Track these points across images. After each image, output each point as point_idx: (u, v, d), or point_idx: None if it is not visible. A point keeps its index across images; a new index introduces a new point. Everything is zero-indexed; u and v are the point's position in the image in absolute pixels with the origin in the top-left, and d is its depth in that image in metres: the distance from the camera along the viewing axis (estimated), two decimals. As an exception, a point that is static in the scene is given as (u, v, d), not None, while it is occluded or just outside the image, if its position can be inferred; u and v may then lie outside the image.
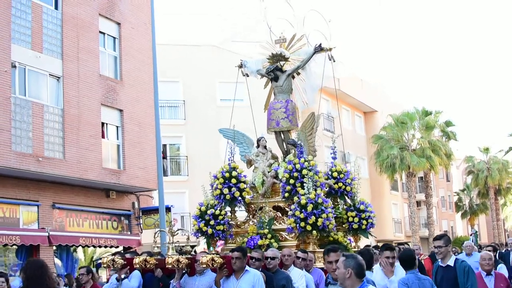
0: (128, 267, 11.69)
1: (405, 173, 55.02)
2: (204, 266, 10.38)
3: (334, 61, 15.22)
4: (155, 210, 28.88)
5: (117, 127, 29.07)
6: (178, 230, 11.71)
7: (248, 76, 16.05)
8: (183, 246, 11.40)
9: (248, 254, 10.87)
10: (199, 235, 14.19)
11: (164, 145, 40.60)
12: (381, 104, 60.18)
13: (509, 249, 19.60)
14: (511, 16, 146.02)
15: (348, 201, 14.93)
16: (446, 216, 78.50)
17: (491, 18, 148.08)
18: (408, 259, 9.64)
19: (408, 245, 20.71)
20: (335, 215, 13.82)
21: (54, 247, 25.89)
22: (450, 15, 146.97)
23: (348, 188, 14.76)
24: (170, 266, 10.81)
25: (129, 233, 29.81)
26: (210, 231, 13.91)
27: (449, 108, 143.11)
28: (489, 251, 15.91)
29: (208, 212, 13.99)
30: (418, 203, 62.78)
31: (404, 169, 53.23)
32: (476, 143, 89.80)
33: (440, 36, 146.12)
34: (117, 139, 29.08)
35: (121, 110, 29.07)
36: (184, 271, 11.03)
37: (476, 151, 75.43)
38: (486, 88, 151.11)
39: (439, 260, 10.09)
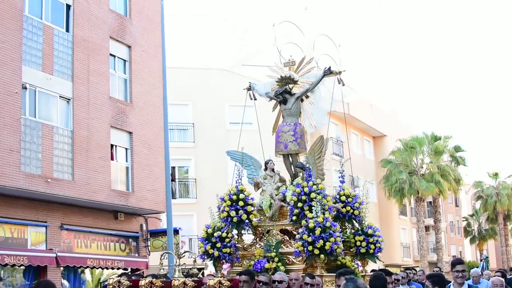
0: None
1: (413, 198, 54.89)
2: None
3: (343, 84, 15.19)
4: (163, 233, 28.85)
5: (126, 149, 29.15)
6: (185, 252, 11.68)
7: (256, 99, 16.04)
8: (190, 269, 11.37)
9: (255, 278, 10.83)
10: (206, 257, 14.13)
11: (173, 168, 40.68)
12: (390, 129, 60.23)
13: None
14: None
15: (356, 225, 14.81)
16: (454, 241, 78.17)
17: (501, 49, 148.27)
18: (440, 282, 9.68)
19: (415, 270, 20.55)
20: (343, 239, 13.74)
21: (62, 268, 25.89)
22: (458, 43, 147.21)
23: (356, 212, 14.63)
24: None
25: (136, 255, 29.79)
26: (216, 253, 13.83)
27: (458, 133, 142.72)
28: (498, 276, 15.87)
29: (215, 234, 13.91)
30: (427, 228, 62.54)
31: (413, 193, 53.15)
32: (485, 168, 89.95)
33: (450, 62, 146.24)
34: (126, 161, 29.16)
35: (130, 133, 29.17)
36: None
37: (485, 176, 75.32)
38: (496, 113, 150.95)
39: (451, 285, 9.88)
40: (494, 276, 16.52)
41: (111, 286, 11.68)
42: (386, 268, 12.82)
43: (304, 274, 12.14)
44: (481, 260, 23.77)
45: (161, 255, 12.19)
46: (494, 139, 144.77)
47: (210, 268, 18.98)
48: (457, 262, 9.98)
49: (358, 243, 14.45)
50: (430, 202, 60.63)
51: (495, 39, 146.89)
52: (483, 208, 73.83)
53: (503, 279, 13.19)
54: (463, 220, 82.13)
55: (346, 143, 48.08)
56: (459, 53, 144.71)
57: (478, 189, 74.58)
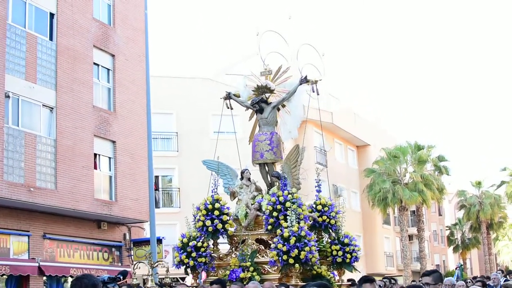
0: None
1: (397, 207, 54.96)
2: None
3: (318, 94, 15.18)
4: (146, 242, 28.79)
5: (109, 158, 29.07)
6: (157, 262, 11.68)
7: (232, 108, 16.00)
8: (162, 279, 11.38)
9: (228, 287, 10.85)
10: (181, 267, 14.07)
11: (157, 177, 40.62)
12: (374, 138, 60.40)
13: (491, 284, 19.28)
14: (505, 55, 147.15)
15: (332, 234, 14.82)
16: (438, 250, 78.39)
17: (484, 58, 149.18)
18: None
19: (395, 280, 20.47)
20: (318, 248, 13.71)
21: (44, 278, 25.75)
22: (441, 53, 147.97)
23: (332, 221, 14.64)
24: None
25: (120, 264, 29.66)
26: (192, 263, 13.78)
27: (441, 142, 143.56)
28: (479, 286, 15.82)
29: (190, 244, 13.89)
30: (410, 237, 62.70)
31: (396, 203, 53.19)
32: (468, 177, 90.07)
33: (433, 72, 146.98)
34: (110, 170, 29.07)
35: (114, 142, 29.09)
36: None
37: (468, 185, 75.61)
38: (479, 123, 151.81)
39: None
40: (474, 285, 16.46)
41: None
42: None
43: (278, 284, 12.12)
44: (456, 268, 23.43)
45: (134, 264, 12.19)
46: (477, 148, 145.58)
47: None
48: (423, 273, 9.22)
49: (334, 252, 14.45)
50: (414, 211, 60.75)
51: (478, 49, 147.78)
52: (466, 217, 74.13)
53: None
54: (447, 229, 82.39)
55: (329, 153, 48.15)
56: (443, 64, 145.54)
57: (461, 198, 74.89)
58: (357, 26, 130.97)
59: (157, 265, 11.44)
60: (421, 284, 9.76)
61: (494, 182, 73.60)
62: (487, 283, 19.28)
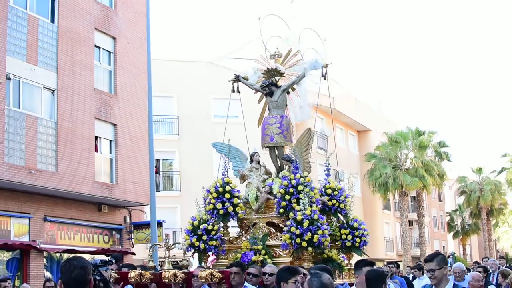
0: (122, 282, 11.50)
1: (397, 192, 55.00)
2: (203, 280, 10.28)
3: (325, 78, 15.14)
4: (146, 225, 28.82)
5: (110, 141, 29.05)
6: (174, 244, 11.64)
7: (239, 92, 15.92)
8: (180, 261, 11.33)
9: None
10: (191, 250, 14.06)
11: (157, 160, 40.61)
12: (375, 123, 60.35)
13: (490, 269, 19.29)
14: (505, 41, 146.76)
15: (342, 218, 14.82)
16: (438, 236, 78.47)
17: (485, 43, 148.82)
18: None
19: (397, 264, 20.44)
20: (329, 232, 13.73)
21: (45, 260, 25.81)
22: (443, 38, 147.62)
23: (341, 205, 14.64)
24: (166, 281, 10.70)
25: (120, 247, 29.71)
26: (202, 246, 13.78)
27: (442, 128, 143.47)
28: (480, 272, 15.77)
29: (201, 226, 13.86)
30: (410, 223, 62.74)
31: (397, 188, 53.24)
32: (469, 164, 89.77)
33: (434, 57, 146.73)
34: (110, 153, 29.06)
35: (114, 124, 29.07)
36: (180, 286, 10.93)
37: (469, 172, 75.56)
38: (480, 109, 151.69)
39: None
40: (475, 271, 16.41)
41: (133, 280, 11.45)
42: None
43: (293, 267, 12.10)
44: (448, 257, 23.35)
45: (150, 247, 12.15)
46: (478, 134, 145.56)
47: (195, 263, 18.81)
48: (425, 259, 8.18)
49: (343, 236, 14.46)
50: (414, 196, 60.79)
51: (480, 35, 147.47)
52: (467, 203, 74.13)
53: (480, 274, 13.03)
54: (447, 215, 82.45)
55: (331, 137, 48.07)
56: (445, 49, 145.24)
57: (462, 184, 74.88)
58: (358, 11, 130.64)
59: (173, 247, 11.37)
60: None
61: (495, 169, 73.63)
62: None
